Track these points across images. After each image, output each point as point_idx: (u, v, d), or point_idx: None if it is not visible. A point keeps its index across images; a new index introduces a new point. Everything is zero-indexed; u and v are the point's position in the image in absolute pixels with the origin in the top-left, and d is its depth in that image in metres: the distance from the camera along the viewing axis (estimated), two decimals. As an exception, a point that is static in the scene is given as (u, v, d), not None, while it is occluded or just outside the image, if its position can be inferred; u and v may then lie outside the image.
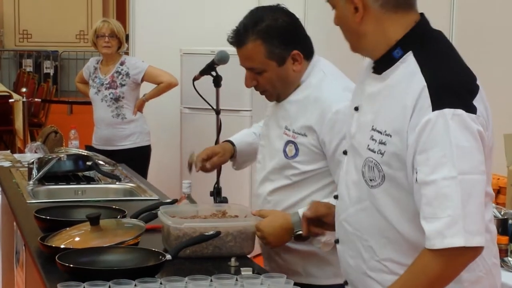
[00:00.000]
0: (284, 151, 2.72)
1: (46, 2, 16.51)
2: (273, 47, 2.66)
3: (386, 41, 2.07)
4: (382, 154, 2.04)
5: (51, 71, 16.12)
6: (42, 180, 3.87)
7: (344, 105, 2.53)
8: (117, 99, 5.70)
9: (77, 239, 2.67)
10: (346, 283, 2.28)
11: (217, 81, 4.42)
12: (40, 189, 3.80)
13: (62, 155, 4.01)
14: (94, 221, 2.70)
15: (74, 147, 5.04)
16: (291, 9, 2.79)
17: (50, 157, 4.01)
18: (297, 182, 2.71)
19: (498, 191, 3.77)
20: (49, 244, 2.61)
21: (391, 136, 2.02)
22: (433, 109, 1.94)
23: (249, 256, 2.71)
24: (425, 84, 1.97)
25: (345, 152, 2.25)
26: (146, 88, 5.87)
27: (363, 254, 2.15)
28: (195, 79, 4.30)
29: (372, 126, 2.08)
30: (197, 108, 5.89)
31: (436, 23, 2.17)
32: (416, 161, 1.96)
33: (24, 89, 8.58)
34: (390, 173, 2.04)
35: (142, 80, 5.77)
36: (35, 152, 5.28)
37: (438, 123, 1.93)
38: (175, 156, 6.37)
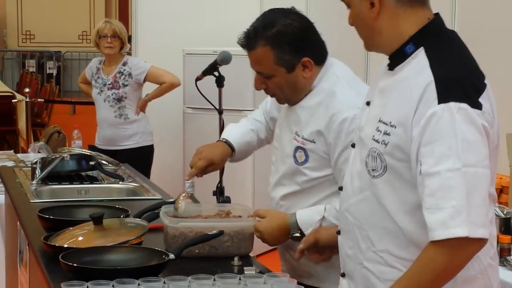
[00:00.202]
0: (294, 156, 2.70)
1: (49, 2, 16.52)
2: (283, 53, 2.61)
3: (400, 37, 2.09)
4: (385, 144, 2.06)
5: (54, 72, 16.13)
6: (45, 180, 3.87)
7: (353, 113, 2.52)
8: (119, 99, 5.71)
9: (80, 238, 2.67)
10: (343, 275, 2.29)
11: (220, 81, 4.43)
12: (44, 188, 3.80)
13: (65, 155, 4.02)
14: (97, 220, 2.71)
15: (77, 147, 5.05)
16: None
17: (53, 157, 4.02)
18: (308, 189, 2.70)
19: (501, 190, 3.78)
20: (52, 244, 2.61)
21: (395, 127, 2.04)
22: (439, 102, 1.95)
23: (252, 255, 2.72)
24: (433, 78, 1.99)
25: (353, 145, 2.27)
26: (149, 88, 5.88)
27: (361, 245, 2.17)
28: (197, 79, 4.31)
29: (379, 118, 2.10)
30: (199, 108, 5.90)
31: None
32: (420, 153, 1.97)
33: (27, 90, 8.59)
34: (392, 163, 2.06)
35: (144, 81, 5.78)
36: (38, 152, 5.29)
37: (444, 116, 1.94)
38: (178, 156, 6.38)
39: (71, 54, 16.42)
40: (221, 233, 2.61)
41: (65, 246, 2.58)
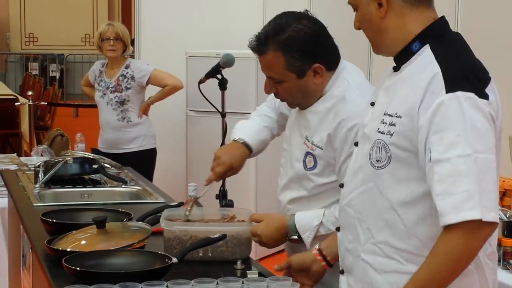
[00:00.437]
0: (304, 161, 2.69)
1: (52, 5, 16.54)
2: (293, 59, 2.58)
3: (406, 36, 2.14)
4: (391, 135, 2.09)
5: (57, 74, 16.14)
6: (48, 183, 3.88)
7: (364, 120, 2.52)
8: (122, 103, 5.71)
9: (83, 242, 2.67)
10: (342, 272, 2.31)
11: (223, 84, 4.43)
12: (47, 192, 3.81)
13: (68, 158, 4.03)
14: (100, 224, 2.71)
15: (80, 150, 5.06)
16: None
17: (56, 160, 4.02)
18: (315, 195, 2.69)
19: (504, 194, 3.77)
20: (55, 247, 2.62)
21: (401, 117, 2.07)
22: (447, 92, 1.99)
23: (255, 259, 2.72)
24: (439, 70, 2.03)
25: (356, 144, 2.29)
26: (152, 91, 5.88)
27: (360, 237, 2.19)
28: (200, 82, 4.31)
29: (384, 112, 2.14)
30: (202, 111, 5.90)
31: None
32: (429, 141, 2.00)
33: (30, 92, 8.59)
34: (397, 154, 2.08)
35: (147, 83, 5.78)
36: (41, 155, 5.30)
37: (452, 104, 1.98)
38: (181, 159, 6.38)
39: (74, 57, 16.44)
40: (224, 236, 2.61)
41: (68, 249, 2.58)
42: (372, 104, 2.25)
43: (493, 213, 1.95)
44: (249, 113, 3.11)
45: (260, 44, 2.62)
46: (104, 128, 5.81)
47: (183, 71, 6.16)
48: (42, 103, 9.69)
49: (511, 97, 4.16)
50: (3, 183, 4.34)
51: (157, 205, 3.29)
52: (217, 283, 2.28)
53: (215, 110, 4.47)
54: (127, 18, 13.46)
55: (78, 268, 2.36)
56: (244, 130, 2.95)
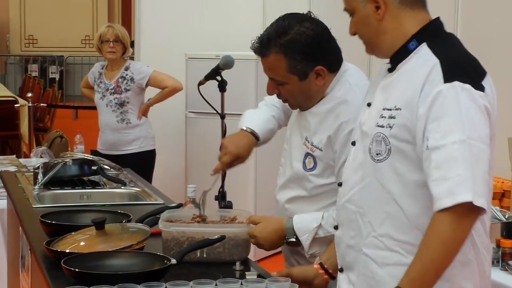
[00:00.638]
0: (304, 162, 2.70)
1: (52, 7, 16.54)
2: (295, 62, 2.59)
3: (403, 36, 2.19)
4: (390, 127, 2.14)
5: (57, 76, 16.15)
6: (47, 185, 3.88)
7: (361, 119, 2.52)
8: (122, 104, 5.71)
9: (82, 243, 2.67)
10: (341, 270, 2.33)
11: (222, 86, 4.42)
12: (46, 193, 3.81)
13: (68, 160, 4.03)
14: (99, 225, 2.71)
15: (80, 152, 5.05)
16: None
17: (55, 161, 4.02)
18: (315, 195, 2.69)
19: (503, 195, 3.78)
20: (54, 249, 2.61)
21: (400, 109, 2.12)
22: (445, 82, 2.05)
23: (254, 260, 2.72)
24: (438, 61, 2.09)
25: (353, 143, 2.31)
26: (151, 93, 5.88)
27: (362, 231, 2.22)
28: (200, 83, 4.31)
29: (383, 107, 2.18)
30: (202, 112, 5.90)
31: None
32: (427, 129, 2.05)
33: (29, 94, 8.58)
34: (397, 145, 2.12)
35: (146, 85, 5.78)
36: (41, 157, 5.30)
37: (449, 94, 2.04)
38: (180, 160, 6.38)
39: (74, 59, 16.44)
40: (222, 237, 2.61)
41: (67, 251, 2.58)
42: (369, 104, 2.28)
43: (482, 199, 1.99)
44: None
45: (263, 47, 2.62)
46: (103, 130, 5.81)
47: (183, 73, 6.16)
48: (41, 104, 9.68)
49: (511, 97, 4.17)
50: (2, 185, 4.34)
51: (156, 207, 3.29)
52: (216, 284, 2.28)
53: (215, 112, 4.46)
54: (127, 19, 13.47)
55: (77, 270, 2.36)
56: (252, 119, 2.93)
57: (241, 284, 2.30)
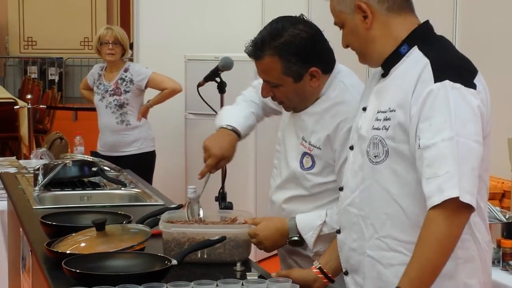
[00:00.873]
0: (301, 162, 2.70)
1: (51, 9, 16.54)
2: (290, 64, 2.60)
3: (393, 42, 2.21)
4: (386, 129, 2.15)
5: (56, 78, 16.14)
6: (47, 186, 3.88)
7: (357, 124, 2.53)
8: (121, 106, 5.71)
9: (83, 244, 2.67)
10: (346, 273, 2.33)
11: (222, 87, 4.43)
12: (46, 195, 3.81)
13: (68, 161, 4.03)
14: (100, 226, 2.71)
15: (80, 153, 5.06)
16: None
17: (55, 163, 4.02)
18: (314, 194, 2.70)
19: (503, 195, 3.78)
20: (55, 250, 2.62)
21: (395, 110, 2.14)
22: (435, 81, 2.07)
23: (254, 261, 2.72)
24: (428, 61, 2.11)
25: (351, 148, 2.32)
26: (151, 94, 5.89)
27: (365, 234, 2.23)
28: (199, 85, 4.31)
29: (377, 110, 2.20)
30: (201, 114, 5.90)
31: (438, 31, 2.26)
32: (419, 129, 2.07)
33: (29, 96, 8.60)
34: (394, 146, 2.14)
35: (146, 87, 5.79)
36: (41, 158, 5.31)
37: (440, 93, 2.06)
38: (180, 161, 6.38)
39: (73, 61, 16.44)
40: (223, 238, 2.61)
41: (68, 252, 2.58)
42: (364, 109, 2.30)
43: (469, 196, 2.00)
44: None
45: (257, 49, 2.63)
46: (103, 131, 5.82)
47: (182, 74, 6.16)
48: (41, 106, 9.69)
49: (511, 97, 4.17)
50: (2, 186, 4.34)
51: (156, 208, 3.29)
52: (217, 285, 2.28)
53: (214, 113, 4.44)
54: (126, 21, 13.46)
55: (78, 271, 2.36)
56: (231, 115, 2.91)
57: (242, 284, 2.30)
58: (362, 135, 2.26)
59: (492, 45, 4.65)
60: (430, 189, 2.02)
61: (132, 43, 6.56)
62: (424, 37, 2.19)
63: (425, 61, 2.11)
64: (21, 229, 3.35)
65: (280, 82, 2.65)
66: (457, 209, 2.00)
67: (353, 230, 2.27)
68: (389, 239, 2.17)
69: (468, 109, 2.06)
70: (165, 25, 6.64)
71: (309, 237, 2.65)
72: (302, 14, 2.70)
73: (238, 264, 2.59)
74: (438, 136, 2.03)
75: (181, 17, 6.68)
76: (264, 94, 2.73)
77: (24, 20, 16.76)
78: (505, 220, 3.23)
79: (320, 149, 2.65)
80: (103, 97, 5.75)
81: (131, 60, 6.48)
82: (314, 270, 2.55)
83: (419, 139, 2.06)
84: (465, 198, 1.99)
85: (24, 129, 8.64)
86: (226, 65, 4.40)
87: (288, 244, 2.69)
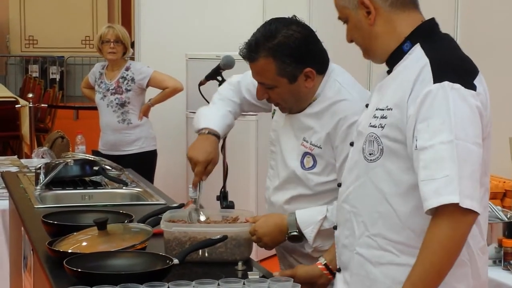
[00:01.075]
0: (302, 162, 2.70)
1: (52, 8, 16.54)
2: (285, 65, 2.61)
3: (397, 39, 2.19)
4: (382, 127, 2.14)
5: (57, 77, 16.14)
6: (49, 185, 3.88)
7: (359, 120, 2.54)
8: (122, 105, 5.72)
9: (84, 243, 2.68)
10: (339, 270, 2.33)
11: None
12: (48, 194, 3.81)
13: (69, 160, 4.03)
14: (101, 225, 2.71)
15: (81, 152, 5.07)
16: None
17: (57, 162, 4.02)
18: (317, 193, 2.70)
19: (504, 194, 3.77)
20: (57, 249, 2.62)
21: (392, 109, 2.13)
22: (434, 82, 2.05)
23: (255, 260, 2.72)
24: (428, 61, 2.09)
25: (351, 144, 2.32)
26: (152, 93, 5.89)
27: (355, 231, 2.22)
28: (200, 84, 4.30)
29: (376, 107, 2.19)
30: (203, 112, 5.89)
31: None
32: (416, 129, 2.05)
33: (30, 95, 8.59)
34: (389, 145, 2.13)
35: (147, 86, 5.79)
36: (42, 157, 5.31)
37: (439, 94, 2.04)
38: (181, 160, 6.38)
39: (74, 59, 16.44)
40: (225, 237, 2.62)
41: (70, 251, 2.59)
42: (367, 106, 2.31)
43: (469, 201, 1.98)
44: (248, 114, 3.11)
45: (251, 51, 2.64)
46: (104, 130, 5.82)
47: (183, 73, 6.16)
48: (42, 105, 9.70)
49: (511, 97, 4.17)
50: (4, 185, 4.34)
51: (158, 207, 3.29)
52: (218, 284, 2.29)
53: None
54: (127, 20, 13.47)
55: (79, 270, 2.36)
56: (208, 117, 2.92)
57: (244, 284, 2.30)
58: (360, 131, 2.26)
59: (493, 44, 4.64)
60: (426, 191, 2.01)
61: (133, 42, 6.55)
62: (427, 35, 2.18)
63: (425, 61, 2.10)
64: (22, 228, 3.35)
65: (275, 84, 2.65)
66: (460, 213, 1.98)
67: (346, 227, 2.27)
68: (379, 237, 2.16)
69: (467, 110, 2.04)
70: (166, 24, 6.64)
71: (309, 232, 2.65)
72: (294, 15, 2.71)
73: (240, 263, 2.59)
74: (436, 138, 2.01)
75: (182, 16, 6.68)
76: (259, 96, 2.75)
77: (25, 19, 16.77)
78: (506, 219, 3.23)
79: (321, 148, 2.66)
80: (105, 96, 5.75)
81: (132, 59, 6.49)
82: (320, 266, 2.57)
83: (416, 140, 2.04)
84: (465, 204, 1.97)
85: (25, 128, 8.63)
86: (228, 63, 4.38)
87: (287, 239, 2.70)
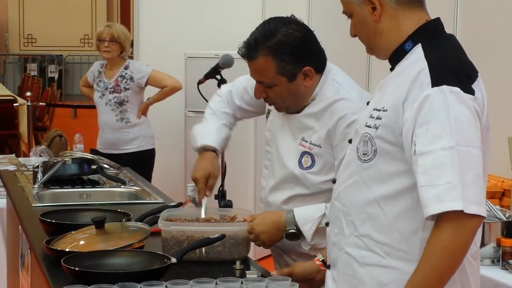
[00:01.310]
0: (300, 161, 2.71)
1: (51, 6, 16.54)
2: (284, 63, 2.62)
3: (400, 37, 2.18)
4: (376, 128, 2.13)
5: (56, 75, 16.15)
6: (47, 184, 3.88)
7: (359, 117, 2.54)
8: (121, 103, 5.71)
9: (82, 242, 2.67)
10: (328, 266, 2.33)
11: (222, 85, 4.42)
12: (45, 192, 3.81)
13: (67, 159, 4.03)
14: (99, 224, 2.71)
15: (79, 151, 5.06)
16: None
17: (55, 160, 4.02)
18: (317, 192, 2.70)
19: (503, 194, 3.77)
20: (54, 248, 2.61)
21: (387, 111, 2.11)
22: (432, 86, 2.03)
23: (253, 259, 2.71)
24: (426, 64, 2.07)
25: (350, 141, 2.31)
26: (150, 92, 5.88)
27: (344, 230, 2.21)
28: (199, 82, 4.30)
29: (374, 107, 2.17)
30: (201, 111, 5.79)
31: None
32: (415, 134, 2.03)
33: (28, 93, 8.59)
34: (382, 146, 2.11)
35: (146, 84, 5.79)
36: (40, 156, 5.30)
37: (437, 98, 2.01)
38: (180, 159, 6.38)
39: (73, 58, 16.44)
40: (222, 236, 2.61)
41: (67, 250, 2.58)
42: (368, 103, 2.29)
43: (475, 206, 1.96)
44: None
45: (251, 50, 2.64)
46: (103, 129, 5.81)
47: (182, 72, 6.16)
48: (40, 104, 9.68)
49: (511, 97, 4.17)
50: (1, 184, 4.34)
51: (156, 206, 3.29)
52: (216, 283, 2.28)
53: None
54: (126, 19, 13.45)
55: (77, 268, 2.36)
56: (203, 135, 2.98)
57: (242, 283, 2.30)
58: (357, 130, 2.25)
59: (493, 44, 4.64)
60: (427, 197, 1.98)
61: (132, 40, 6.55)
62: (430, 35, 2.16)
63: (424, 63, 2.08)
64: (20, 227, 3.34)
65: (274, 82, 2.66)
66: (464, 220, 1.96)
67: (335, 225, 2.26)
68: (367, 238, 2.15)
69: (468, 114, 2.01)
70: (165, 23, 6.64)
71: (308, 229, 2.65)
72: (292, 15, 2.71)
73: (238, 263, 2.58)
74: (436, 143, 1.99)
75: (181, 15, 6.67)
76: (257, 95, 2.75)
77: (24, 18, 16.76)
78: (505, 219, 3.22)
79: (321, 147, 2.66)
80: (103, 95, 5.75)
81: (131, 57, 6.48)
82: (317, 262, 2.56)
83: (415, 145, 2.02)
84: (470, 209, 1.95)
85: (23, 127, 8.63)
86: (227, 62, 4.38)
87: (285, 237, 2.69)
